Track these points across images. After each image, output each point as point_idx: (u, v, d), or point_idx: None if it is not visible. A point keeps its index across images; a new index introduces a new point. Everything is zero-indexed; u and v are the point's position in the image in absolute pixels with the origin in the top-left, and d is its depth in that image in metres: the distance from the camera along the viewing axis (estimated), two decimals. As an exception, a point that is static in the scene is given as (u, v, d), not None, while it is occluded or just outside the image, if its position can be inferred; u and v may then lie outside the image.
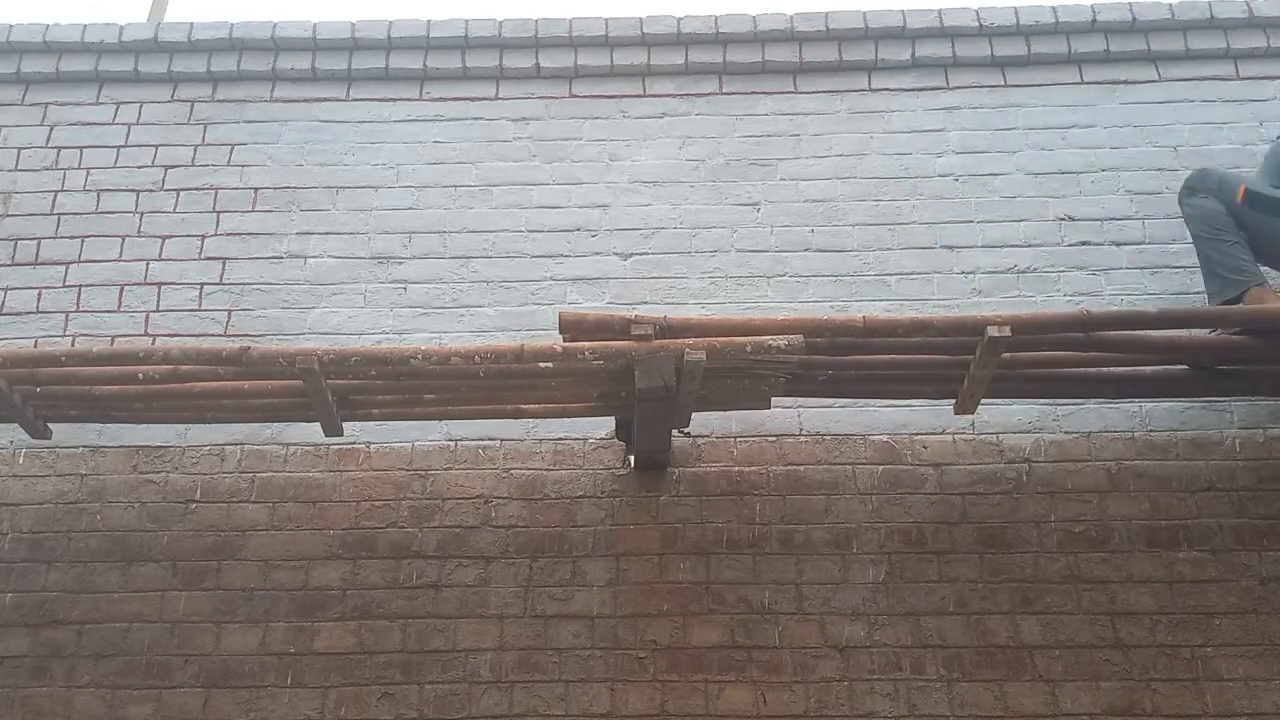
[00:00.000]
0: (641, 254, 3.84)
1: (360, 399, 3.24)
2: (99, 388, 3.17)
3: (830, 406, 3.54)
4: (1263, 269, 3.41)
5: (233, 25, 4.20)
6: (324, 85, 4.17)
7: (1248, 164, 3.89)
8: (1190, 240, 3.62)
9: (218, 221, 3.95)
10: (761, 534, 3.37)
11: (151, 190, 4.00)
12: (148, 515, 3.47)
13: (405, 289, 3.80)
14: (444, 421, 3.51)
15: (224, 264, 3.87)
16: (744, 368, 3.00)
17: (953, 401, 3.28)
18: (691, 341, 2.94)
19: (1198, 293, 3.65)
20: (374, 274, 3.83)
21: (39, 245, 3.91)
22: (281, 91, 4.18)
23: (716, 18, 4.17)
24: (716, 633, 3.24)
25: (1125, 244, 3.79)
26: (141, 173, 4.03)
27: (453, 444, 3.54)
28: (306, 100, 4.15)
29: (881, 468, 3.46)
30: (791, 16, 4.16)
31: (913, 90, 4.10)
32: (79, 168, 4.05)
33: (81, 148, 4.08)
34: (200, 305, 3.80)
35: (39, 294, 3.83)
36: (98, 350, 3.26)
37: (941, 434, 3.50)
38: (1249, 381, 3.33)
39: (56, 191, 4.01)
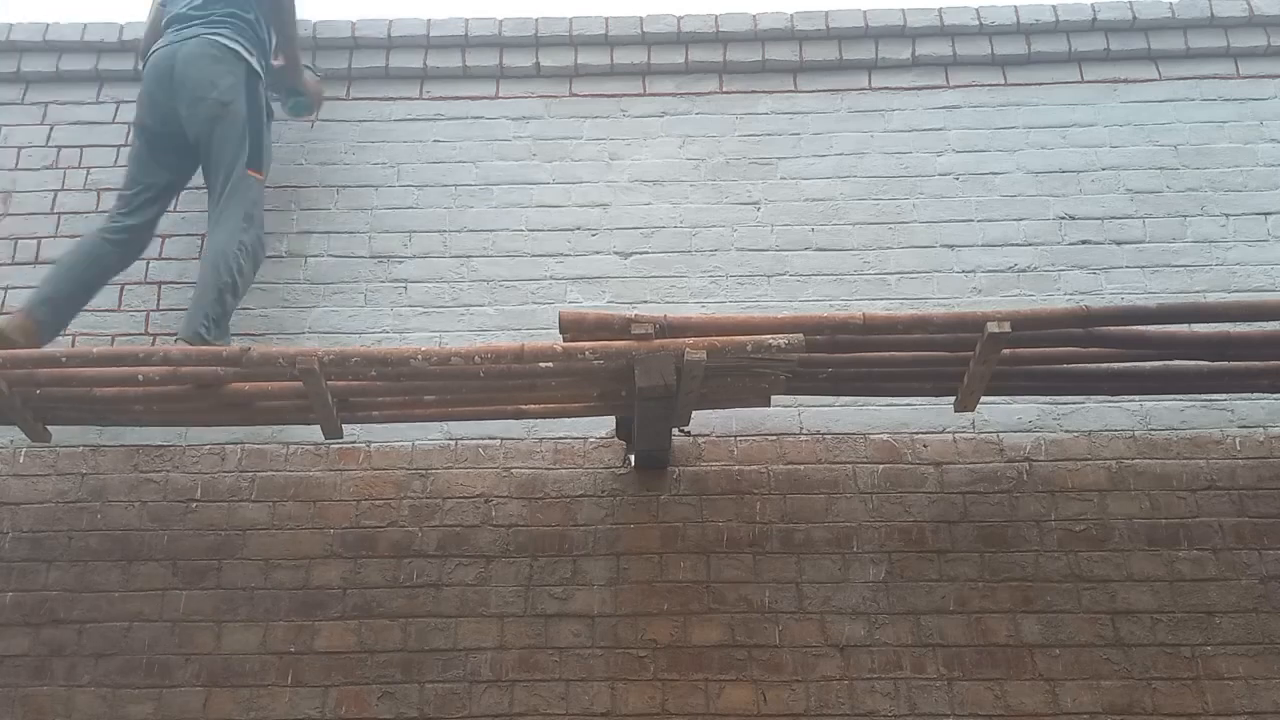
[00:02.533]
0: (641, 253, 3.84)
1: (360, 400, 3.24)
2: (99, 389, 3.17)
3: (831, 405, 3.54)
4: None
5: (233, 24, 4.20)
6: (324, 84, 4.17)
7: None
8: (1191, 239, 3.63)
9: (218, 221, 3.94)
10: (762, 533, 3.37)
11: (151, 189, 4.00)
12: (148, 514, 3.48)
13: (405, 288, 3.80)
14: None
15: (224, 263, 3.86)
16: (744, 366, 3.00)
17: (953, 399, 3.28)
18: (692, 340, 2.94)
19: (1198, 291, 3.66)
20: (374, 273, 3.82)
21: (39, 244, 3.91)
22: (281, 90, 4.18)
23: (716, 17, 4.17)
24: (717, 632, 3.24)
25: (1125, 243, 3.79)
26: (141, 172, 4.03)
27: (453, 443, 3.54)
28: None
29: (882, 467, 3.46)
30: (792, 15, 4.16)
31: (913, 89, 4.10)
32: (79, 167, 4.04)
33: (81, 147, 4.08)
34: (200, 304, 3.80)
35: (39, 293, 3.83)
36: (98, 351, 3.27)
37: (942, 433, 3.50)
38: (1249, 379, 3.33)
39: (56, 191, 4.00)
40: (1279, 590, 3.25)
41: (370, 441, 3.54)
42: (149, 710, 3.19)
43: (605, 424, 3.48)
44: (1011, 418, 3.52)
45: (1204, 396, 3.51)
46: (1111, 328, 3.09)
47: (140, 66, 3.85)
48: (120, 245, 3.60)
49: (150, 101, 3.71)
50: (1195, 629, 3.20)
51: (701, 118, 4.08)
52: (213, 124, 3.60)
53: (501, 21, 4.17)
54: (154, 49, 3.77)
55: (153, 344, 3.62)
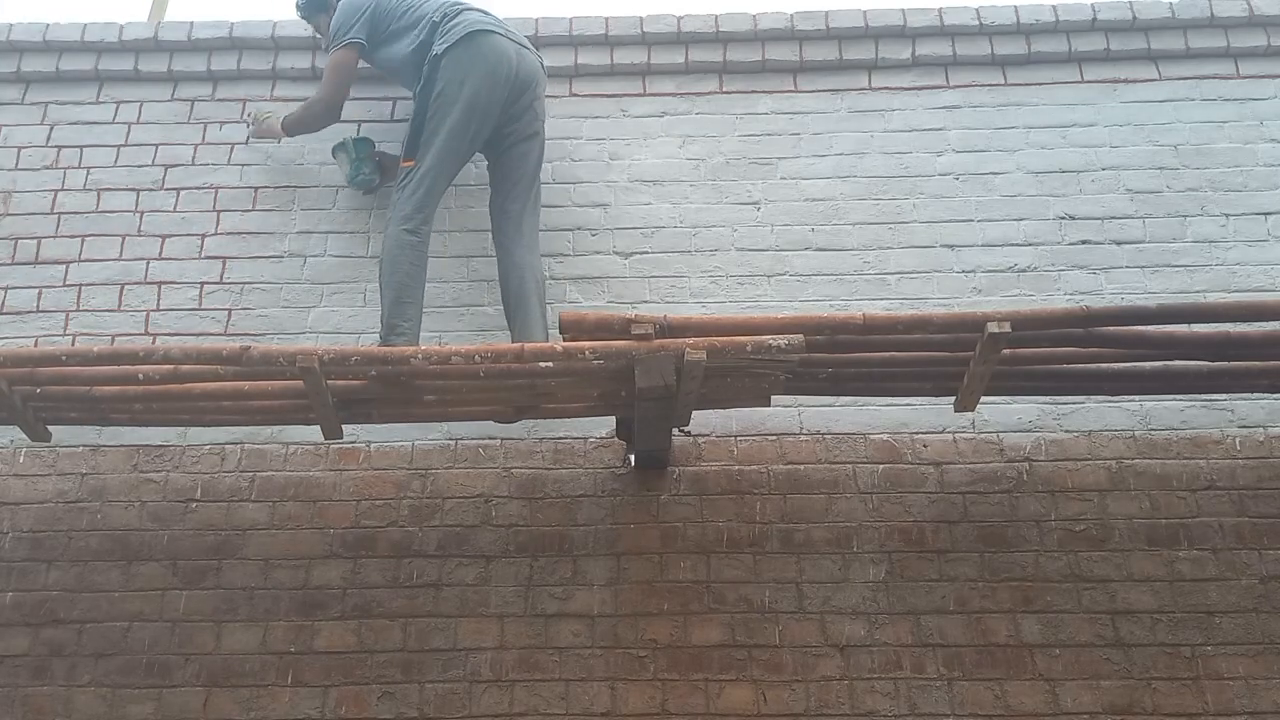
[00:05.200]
0: (642, 253, 3.84)
1: (360, 399, 3.24)
2: (99, 388, 3.17)
3: (831, 405, 3.54)
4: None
5: (233, 24, 4.20)
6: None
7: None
8: (1191, 239, 3.63)
9: (218, 220, 3.95)
10: (762, 533, 3.37)
11: (151, 189, 4.00)
12: (148, 514, 3.47)
13: (405, 288, 3.79)
14: (444, 420, 3.51)
15: (224, 263, 3.87)
16: (744, 366, 3.00)
17: (953, 399, 3.28)
18: (692, 341, 2.94)
19: (1198, 291, 3.66)
20: (374, 273, 3.81)
21: (39, 244, 3.91)
22: (281, 90, 4.17)
23: (717, 17, 4.17)
24: (717, 632, 3.24)
25: (1125, 243, 3.79)
26: (141, 172, 4.03)
27: (453, 443, 3.54)
28: (306, 99, 4.14)
29: (882, 467, 3.46)
30: (792, 15, 4.16)
31: (913, 89, 4.10)
32: (79, 167, 4.04)
33: (81, 147, 4.08)
34: (200, 304, 3.80)
35: (39, 293, 3.83)
36: (98, 350, 3.26)
37: (942, 433, 3.50)
38: (1249, 379, 3.33)
39: (56, 191, 4.00)
40: (1279, 590, 3.24)
41: (370, 441, 3.54)
42: (149, 710, 3.19)
43: (605, 424, 3.48)
44: (1011, 418, 3.52)
45: (1204, 396, 3.51)
46: (1111, 328, 3.09)
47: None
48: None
49: (490, 85, 3.63)
50: (1195, 629, 3.20)
51: (701, 118, 4.08)
52: (532, 144, 3.75)
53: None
54: (478, 26, 3.68)
55: (153, 344, 3.62)
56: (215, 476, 3.52)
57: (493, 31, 3.71)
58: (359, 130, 4.02)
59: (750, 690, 3.15)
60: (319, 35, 4.06)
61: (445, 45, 3.65)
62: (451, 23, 3.71)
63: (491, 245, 3.76)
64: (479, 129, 3.66)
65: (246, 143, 4.00)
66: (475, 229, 3.87)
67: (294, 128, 3.88)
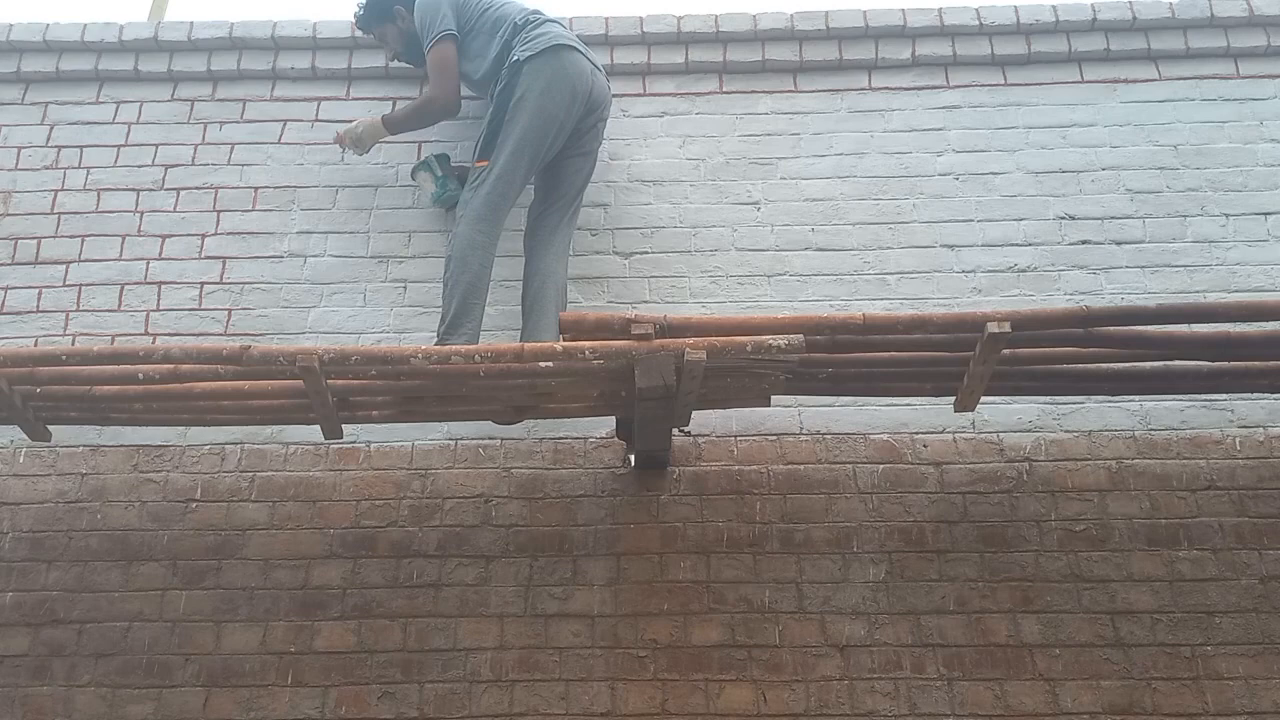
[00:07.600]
0: (642, 253, 3.84)
1: (360, 399, 3.24)
2: (99, 388, 3.17)
3: (830, 405, 3.54)
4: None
5: (233, 24, 4.20)
6: (324, 84, 4.17)
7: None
8: (1191, 239, 3.62)
9: (218, 221, 3.95)
10: (762, 533, 3.37)
11: (152, 189, 4.00)
12: (148, 514, 3.48)
13: (405, 288, 3.80)
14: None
15: (224, 263, 3.87)
16: (744, 366, 3.00)
17: (953, 399, 3.28)
18: (692, 341, 2.94)
19: (1198, 291, 3.66)
20: (374, 273, 3.83)
21: (39, 244, 3.91)
22: (281, 91, 4.17)
23: (717, 17, 4.17)
24: (717, 632, 3.24)
25: (1125, 243, 3.79)
26: (141, 172, 4.03)
27: (453, 443, 3.54)
28: (307, 99, 4.15)
29: (882, 467, 3.46)
30: (792, 15, 4.16)
31: (913, 89, 4.10)
32: (79, 167, 4.04)
33: (81, 147, 4.08)
34: (200, 304, 3.80)
35: (39, 293, 3.83)
36: (98, 349, 3.26)
37: (942, 433, 3.50)
38: (1249, 379, 3.33)
39: (56, 191, 4.00)
40: (1279, 590, 3.25)
41: (370, 441, 3.54)
42: (149, 710, 3.19)
43: (605, 424, 3.48)
44: (1011, 418, 3.52)
45: (1204, 396, 3.51)
46: (1111, 328, 3.09)
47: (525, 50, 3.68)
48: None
49: (569, 101, 3.66)
50: (1195, 629, 3.20)
51: (701, 118, 4.08)
52: (585, 161, 3.78)
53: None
54: (563, 41, 3.70)
55: (153, 344, 3.62)
56: (215, 476, 3.52)
57: (575, 49, 3.74)
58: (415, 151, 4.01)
59: (750, 690, 3.15)
60: (385, 45, 4.02)
61: (529, 53, 3.66)
62: (536, 30, 3.72)
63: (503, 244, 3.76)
64: (554, 140, 3.67)
65: (342, 160, 3.96)
66: (475, 229, 3.86)
67: (401, 125, 3.86)
